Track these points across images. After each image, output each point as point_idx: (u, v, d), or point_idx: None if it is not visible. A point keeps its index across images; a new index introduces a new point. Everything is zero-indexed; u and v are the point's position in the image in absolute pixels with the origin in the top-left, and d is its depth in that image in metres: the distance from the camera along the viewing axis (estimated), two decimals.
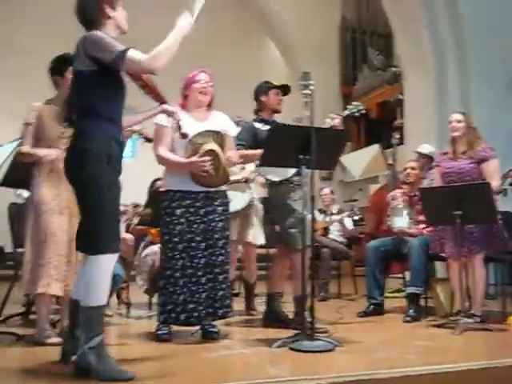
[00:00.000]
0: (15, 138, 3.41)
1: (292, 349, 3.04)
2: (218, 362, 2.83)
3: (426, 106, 7.19)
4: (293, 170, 3.81)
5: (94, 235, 2.49)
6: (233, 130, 3.67)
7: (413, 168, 5.04)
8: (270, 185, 3.94)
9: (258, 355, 2.99)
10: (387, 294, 5.28)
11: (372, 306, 4.56)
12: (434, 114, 6.95)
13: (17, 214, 4.18)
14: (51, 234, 3.21)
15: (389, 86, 9.56)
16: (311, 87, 3.32)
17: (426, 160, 5.45)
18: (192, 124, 3.40)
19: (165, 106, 2.97)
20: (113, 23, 2.61)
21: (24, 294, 3.41)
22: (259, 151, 3.52)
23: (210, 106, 3.61)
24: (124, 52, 2.44)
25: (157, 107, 2.98)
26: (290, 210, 3.80)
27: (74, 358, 2.52)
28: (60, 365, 2.62)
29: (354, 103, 3.96)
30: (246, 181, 4.70)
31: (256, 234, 4.72)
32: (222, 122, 3.60)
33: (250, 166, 4.63)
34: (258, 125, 4.00)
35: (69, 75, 3.10)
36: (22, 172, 3.51)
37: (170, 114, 3.04)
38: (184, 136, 3.16)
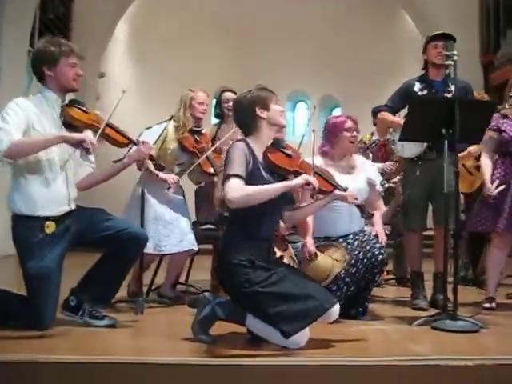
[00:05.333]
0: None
1: (434, 328, 2.97)
2: (358, 337, 2.82)
3: None
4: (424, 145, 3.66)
5: None
6: (378, 180, 3.58)
7: None
8: (406, 161, 3.84)
9: (399, 332, 2.97)
10: None
11: None
12: None
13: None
14: None
15: None
16: (455, 57, 3.16)
17: None
18: (338, 178, 3.11)
19: (336, 192, 2.88)
20: (267, 122, 2.73)
21: None
22: (396, 119, 3.57)
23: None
24: (227, 178, 2.54)
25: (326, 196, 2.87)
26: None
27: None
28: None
29: None
30: None
31: None
32: (366, 172, 3.51)
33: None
34: (417, 86, 3.78)
35: None
36: None
37: (343, 198, 2.92)
38: None
